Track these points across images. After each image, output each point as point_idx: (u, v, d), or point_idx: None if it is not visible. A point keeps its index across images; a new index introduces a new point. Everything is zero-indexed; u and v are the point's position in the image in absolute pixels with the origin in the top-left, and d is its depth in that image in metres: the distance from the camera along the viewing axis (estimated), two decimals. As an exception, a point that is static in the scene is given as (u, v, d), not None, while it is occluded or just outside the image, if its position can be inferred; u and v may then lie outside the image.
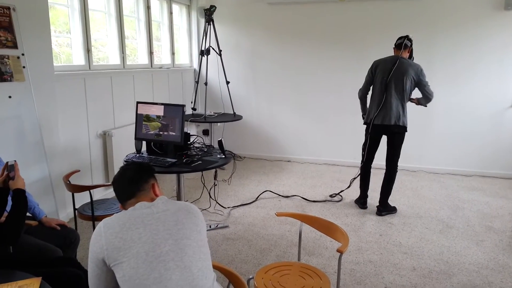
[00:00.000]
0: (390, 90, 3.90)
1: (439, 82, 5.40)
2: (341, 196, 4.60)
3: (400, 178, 5.30)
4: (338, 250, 2.02)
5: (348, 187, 4.62)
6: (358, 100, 4.22)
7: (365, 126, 4.16)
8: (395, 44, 4.03)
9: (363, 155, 4.18)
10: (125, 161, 3.14)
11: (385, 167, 4.10)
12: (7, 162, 2.05)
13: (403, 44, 3.92)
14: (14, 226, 1.87)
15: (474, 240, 3.55)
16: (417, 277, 2.94)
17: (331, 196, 4.60)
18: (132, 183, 1.63)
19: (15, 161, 2.07)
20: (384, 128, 3.97)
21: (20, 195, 1.98)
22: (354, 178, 4.54)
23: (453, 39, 5.27)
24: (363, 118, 4.21)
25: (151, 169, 1.75)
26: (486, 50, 5.18)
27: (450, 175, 5.48)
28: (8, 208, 2.02)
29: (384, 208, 4.09)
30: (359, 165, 4.27)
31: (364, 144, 4.15)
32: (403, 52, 3.94)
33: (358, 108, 4.31)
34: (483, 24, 5.13)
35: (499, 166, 5.38)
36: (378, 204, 4.14)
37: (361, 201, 4.28)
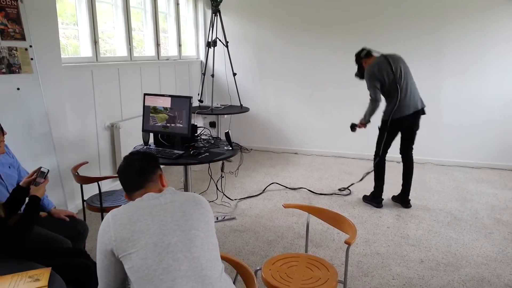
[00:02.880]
0: (406, 80, 3.85)
1: (448, 73, 5.35)
2: (349, 190, 4.57)
3: (408, 170, 5.27)
4: (346, 242, 2.02)
5: (361, 180, 4.57)
6: (367, 94, 4.02)
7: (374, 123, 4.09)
8: (364, 55, 3.98)
9: (379, 151, 4.01)
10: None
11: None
12: (40, 167, 2.09)
13: (367, 51, 3.99)
14: (22, 232, 1.88)
15: (482, 233, 3.52)
16: (425, 269, 2.94)
17: (340, 190, 4.57)
18: (141, 174, 1.62)
19: (48, 170, 2.10)
20: (413, 116, 3.88)
21: (35, 203, 2.00)
22: (368, 173, 4.46)
23: (462, 30, 5.20)
24: (365, 120, 4.02)
25: (157, 159, 1.74)
26: (495, 41, 5.10)
27: (458, 167, 5.44)
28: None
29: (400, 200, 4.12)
30: (368, 158, 4.19)
31: (381, 139, 3.97)
32: (372, 58, 3.96)
33: (366, 101, 4.17)
34: (492, 15, 5.05)
35: (508, 158, 5.32)
36: (401, 197, 4.11)
37: (380, 200, 4.12)
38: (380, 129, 3.98)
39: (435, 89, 5.43)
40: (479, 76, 5.25)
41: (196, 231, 1.50)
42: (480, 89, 5.28)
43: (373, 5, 5.47)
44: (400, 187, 4.14)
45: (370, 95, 3.90)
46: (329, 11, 5.68)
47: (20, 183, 2.11)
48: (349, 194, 4.47)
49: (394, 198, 4.23)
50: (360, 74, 4.08)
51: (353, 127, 4.11)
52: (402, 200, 4.12)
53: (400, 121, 3.88)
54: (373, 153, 4.09)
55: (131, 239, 1.42)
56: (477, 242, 3.36)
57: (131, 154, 1.77)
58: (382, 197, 4.11)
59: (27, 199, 2.05)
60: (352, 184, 4.64)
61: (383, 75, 3.83)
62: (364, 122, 4.04)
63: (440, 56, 5.34)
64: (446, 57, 5.32)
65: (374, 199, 4.13)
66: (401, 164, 4.13)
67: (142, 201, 1.53)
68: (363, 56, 4.00)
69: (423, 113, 3.96)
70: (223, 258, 1.73)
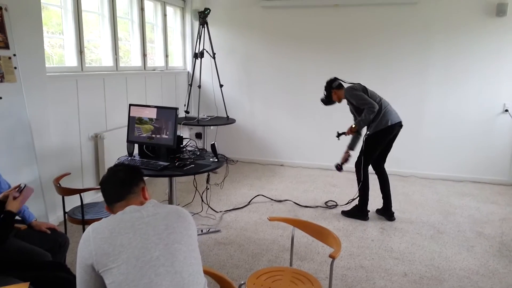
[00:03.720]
0: (379, 97, 4.04)
1: (432, 86, 5.45)
2: (335, 203, 4.57)
3: (392, 183, 5.26)
4: (330, 256, 2.02)
5: (354, 198, 4.47)
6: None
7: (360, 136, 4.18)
8: (336, 86, 4.08)
9: (365, 164, 4.05)
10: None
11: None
12: (20, 184, 2.12)
13: (339, 83, 4.10)
14: None
15: (465, 246, 3.56)
16: (408, 283, 2.95)
17: (326, 203, 4.56)
18: (124, 185, 1.60)
19: (25, 185, 2.13)
20: (398, 125, 4.00)
21: (10, 218, 1.97)
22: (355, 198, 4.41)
23: (445, 44, 5.32)
24: (359, 128, 4.08)
25: (141, 172, 1.73)
26: (478, 55, 5.23)
27: (441, 181, 5.51)
28: None
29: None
30: (353, 171, 4.17)
31: (373, 153, 4.04)
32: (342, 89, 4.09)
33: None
34: (475, 30, 5.19)
35: (490, 172, 5.42)
36: (384, 210, 4.15)
37: (367, 211, 4.14)
38: (367, 142, 4.02)
39: (418, 102, 5.52)
40: (462, 89, 5.36)
41: (179, 245, 1.48)
42: (463, 102, 5.38)
43: (360, 18, 5.57)
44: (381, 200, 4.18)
45: (366, 103, 3.87)
46: (316, 24, 5.75)
47: None
48: (335, 206, 4.48)
49: (378, 211, 4.25)
50: (326, 101, 4.21)
51: (339, 135, 4.18)
52: (386, 213, 4.15)
53: (386, 132, 3.95)
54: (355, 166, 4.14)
55: (112, 254, 1.39)
56: (460, 255, 3.39)
57: (115, 165, 1.75)
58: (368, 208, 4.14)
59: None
60: (354, 198, 4.53)
61: (362, 91, 3.97)
62: (357, 130, 4.08)
63: (423, 69, 5.44)
64: (429, 71, 5.42)
65: (361, 211, 4.12)
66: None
67: (124, 214, 1.51)
68: (334, 87, 4.09)
69: (401, 126, 4.05)
70: (206, 273, 1.71)
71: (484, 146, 5.40)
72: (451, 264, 3.24)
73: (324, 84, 4.17)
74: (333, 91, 4.11)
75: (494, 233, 3.84)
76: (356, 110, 4.04)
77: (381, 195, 4.17)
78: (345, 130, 4.13)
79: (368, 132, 4.00)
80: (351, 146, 4.28)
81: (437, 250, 3.48)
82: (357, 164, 4.11)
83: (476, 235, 3.79)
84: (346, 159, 4.29)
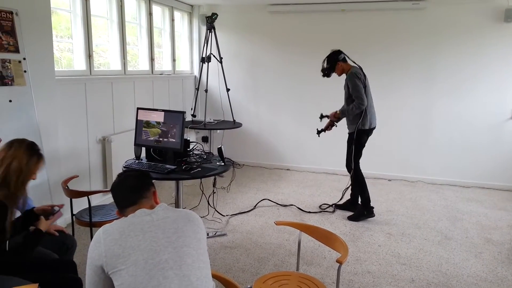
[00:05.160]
0: (370, 95, 4.11)
1: (439, 92, 5.43)
2: (331, 206, 4.56)
3: (399, 188, 5.30)
4: (337, 261, 2.01)
5: (340, 199, 4.57)
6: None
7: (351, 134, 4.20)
8: (342, 59, 4.06)
9: (352, 163, 4.16)
10: (124, 167, 3.13)
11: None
12: (54, 206, 2.26)
13: (344, 56, 4.09)
14: (18, 257, 1.92)
15: (472, 252, 3.53)
16: (416, 289, 2.93)
17: (320, 207, 4.57)
18: (135, 190, 1.62)
19: (59, 209, 2.25)
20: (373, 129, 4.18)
21: (39, 236, 2.03)
22: (346, 189, 4.50)
23: (453, 50, 5.30)
24: (341, 116, 4.19)
25: (151, 177, 1.75)
26: (486, 61, 5.21)
27: (449, 186, 5.47)
28: None
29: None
30: (348, 171, 4.25)
31: (357, 151, 4.14)
32: (347, 64, 4.09)
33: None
34: (483, 35, 5.17)
35: (498, 178, 5.37)
36: (348, 205, 4.38)
37: (371, 208, 4.23)
38: (355, 141, 4.08)
39: (426, 108, 5.50)
40: (470, 95, 5.34)
41: (188, 249, 1.48)
42: (471, 108, 5.35)
43: (367, 24, 5.57)
44: (368, 200, 4.23)
45: (358, 97, 3.90)
46: (323, 29, 5.76)
47: (35, 209, 2.18)
48: (334, 211, 4.46)
49: (339, 206, 4.47)
50: (327, 72, 4.12)
51: (319, 132, 4.33)
52: (351, 208, 4.34)
53: (368, 132, 4.11)
54: (348, 167, 4.24)
55: (122, 255, 1.40)
56: (468, 261, 3.36)
57: (125, 171, 1.79)
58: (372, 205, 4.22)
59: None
60: (342, 200, 4.62)
61: (366, 80, 4.04)
62: (338, 117, 4.18)
63: (431, 75, 5.42)
64: (437, 76, 5.40)
65: (366, 209, 4.17)
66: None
67: (135, 217, 1.52)
68: (340, 59, 4.07)
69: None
70: (214, 276, 1.71)
71: (492, 151, 5.36)
72: (459, 270, 3.21)
73: (335, 91, 4.19)
74: (339, 63, 4.06)
75: (503, 240, 3.80)
76: (347, 97, 4.07)
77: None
78: (323, 127, 4.33)
79: (357, 129, 4.04)
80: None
81: (444, 256, 3.45)
82: (348, 164, 4.21)
83: (484, 242, 3.75)
84: (328, 127, 4.35)
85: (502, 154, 5.32)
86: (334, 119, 4.23)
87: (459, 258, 3.41)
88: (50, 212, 2.19)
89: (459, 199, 4.98)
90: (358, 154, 4.17)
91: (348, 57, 4.10)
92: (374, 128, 4.16)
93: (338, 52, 4.09)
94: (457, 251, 3.55)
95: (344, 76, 4.10)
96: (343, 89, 4.16)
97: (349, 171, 4.26)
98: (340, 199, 4.55)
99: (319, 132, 4.35)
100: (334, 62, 4.08)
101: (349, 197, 4.45)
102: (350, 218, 4.19)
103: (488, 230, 4.01)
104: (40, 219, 2.09)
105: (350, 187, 4.35)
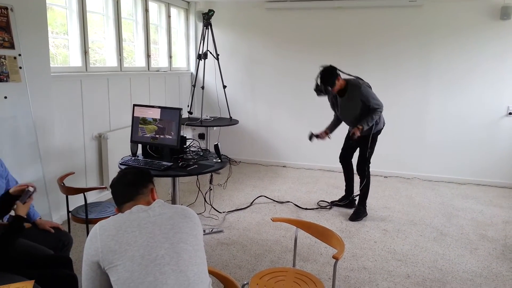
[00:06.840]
0: None
1: (435, 89, 5.45)
2: (329, 204, 4.57)
3: (395, 185, 5.32)
4: (333, 257, 2.02)
5: (353, 197, 4.52)
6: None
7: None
8: (339, 74, 3.92)
9: (368, 163, 4.14)
10: (120, 163, 3.12)
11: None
12: (28, 188, 2.09)
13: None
14: (2, 248, 1.86)
15: (468, 248, 3.56)
16: (411, 285, 2.94)
17: (318, 204, 4.58)
18: (132, 186, 1.63)
19: (34, 189, 2.11)
20: None
21: (20, 222, 1.98)
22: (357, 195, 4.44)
23: (449, 47, 5.31)
24: (368, 131, 3.98)
25: (150, 174, 1.76)
26: (482, 58, 5.23)
27: (444, 183, 5.50)
28: None
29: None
30: (358, 172, 4.20)
31: (372, 151, 4.11)
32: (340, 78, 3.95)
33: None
34: (479, 33, 5.18)
35: (493, 175, 5.41)
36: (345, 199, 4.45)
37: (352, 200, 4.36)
38: (371, 143, 4.03)
39: (421, 104, 5.52)
40: (465, 92, 5.36)
41: (184, 245, 1.49)
42: (466, 105, 5.37)
43: (363, 20, 5.57)
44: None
45: (378, 104, 3.85)
46: (319, 26, 5.76)
47: (10, 190, 2.10)
48: (330, 208, 4.48)
49: (337, 204, 4.51)
50: (329, 90, 3.92)
51: (312, 137, 4.19)
52: (347, 201, 4.44)
53: (379, 133, 4.13)
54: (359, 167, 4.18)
55: (118, 251, 1.40)
56: (463, 257, 3.38)
57: (126, 168, 1.81)
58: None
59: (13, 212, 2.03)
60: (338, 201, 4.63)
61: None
62: (365, 128, 3.92)
63: (427, 72, 5.44)
64: (433, 73, 5.42)
65: (364, 206, 4.19)
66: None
67: (131, 213, 1.52)
68: (339, 74, 3.90)
69: None
70: (211, 272, 1.72)
71: (487, 148, 5.39)
72: (454, 266, 3.23)
73: (319, 73, 3.93)
74: (339, 78, 3.89)
75: (498, 236, 3.83)
76: (347, 107, 3.99)
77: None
78: (319, 133, 4.19)
79: (373, 131, 3.99)
80: (331, 130, 4.30)
81: (440, 252, 3.47)
82: (360, 165, 4.12)
83: (480, 238, 3.78)
84: (323, 136, 4.23)
85: (498, 151, 5.35)
86: (359, 134, 3.87)
87: (455, 254, 3.43)
88: (25, 191, 2.09)
89: (455, 195, 5.00)
90: (371, 155, 4.13)
91: (342, 71, 3.95)
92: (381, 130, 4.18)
93: (334, 68, 3.91)
94: (452, 247, 3.58)
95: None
96: (345, 102, 4.03)
97: (344, 166, 4.36)
98: (353, 198, 4.47)
99: (311, 137, 4.18)
100: (334, 79, 3.87)
101: (344, 193, 4.52)
102: (351, 219, 4.15)
103: (483, 227, 4.04)
104: (16, 204, 2.03)
105: (359, 186, 4.20)
